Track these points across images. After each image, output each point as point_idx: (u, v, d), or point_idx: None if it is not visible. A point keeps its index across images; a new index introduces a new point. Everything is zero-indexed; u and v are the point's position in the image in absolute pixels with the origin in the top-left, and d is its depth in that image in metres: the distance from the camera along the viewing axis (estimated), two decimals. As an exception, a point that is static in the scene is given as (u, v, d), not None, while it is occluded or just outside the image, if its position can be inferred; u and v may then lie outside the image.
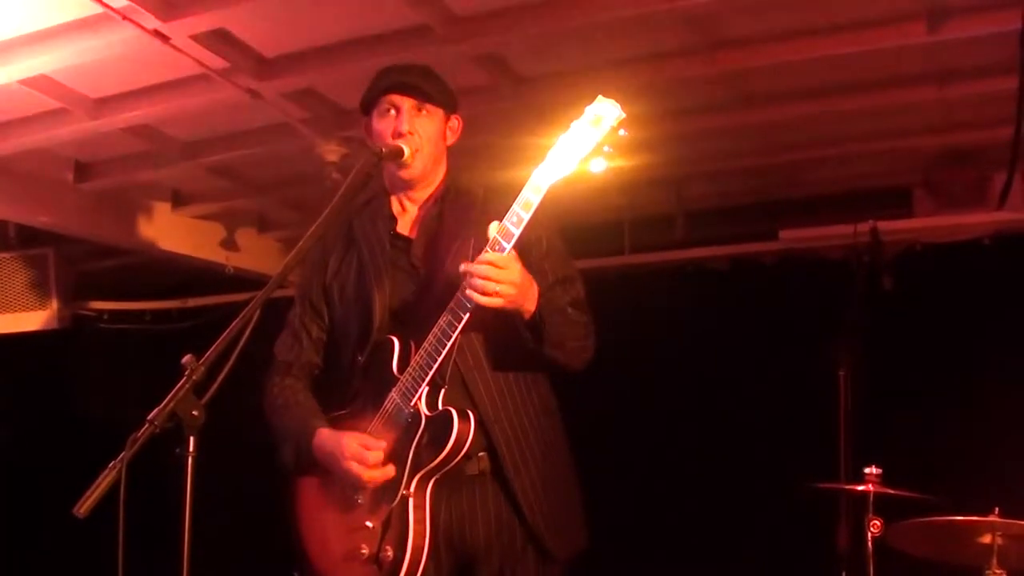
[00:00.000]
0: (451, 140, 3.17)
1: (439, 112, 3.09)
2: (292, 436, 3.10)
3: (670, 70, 4.35)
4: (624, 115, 2.68)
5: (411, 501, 2.87)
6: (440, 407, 2.88)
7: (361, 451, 2.89)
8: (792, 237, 5.82)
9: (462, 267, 2.75)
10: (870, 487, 3.92)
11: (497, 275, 2.69)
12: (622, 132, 2.68)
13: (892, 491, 3.90)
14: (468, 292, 2.73)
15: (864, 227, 5.32)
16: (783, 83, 4.61)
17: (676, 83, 4.48)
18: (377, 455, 2.88)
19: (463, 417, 2.86)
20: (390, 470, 2.88)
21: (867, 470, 3.96)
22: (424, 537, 2.87)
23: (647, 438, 5.80)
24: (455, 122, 3.17)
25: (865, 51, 4.13)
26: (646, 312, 5.85)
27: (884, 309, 4.99)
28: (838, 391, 4.57)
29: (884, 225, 5.26)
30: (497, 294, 2.70)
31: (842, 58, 4.21)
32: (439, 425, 2.86)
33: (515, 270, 2.72)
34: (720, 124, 5.02)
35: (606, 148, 2.68)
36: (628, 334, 5.32)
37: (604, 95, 3.53)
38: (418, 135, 3.03)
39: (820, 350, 4.72)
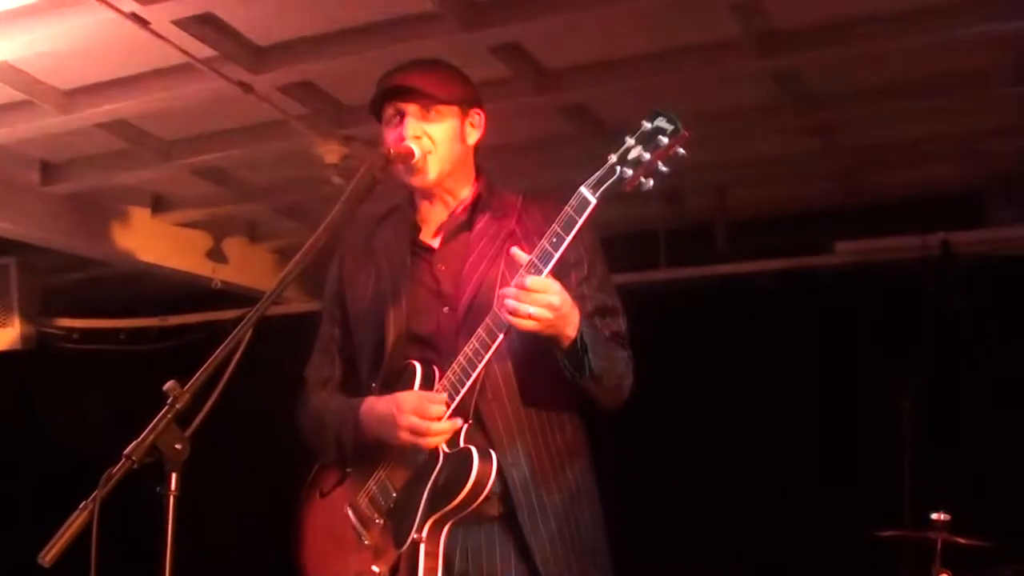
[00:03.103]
0: (474, 137, 3.14)
1: (452, 110, 3.06)
2: (334, 422, 3.10)
3: (714, 63, 4.35)
4: (685, 133, 2.66)
5: (423, 547, 2.86)
6: (461, 444, 2.89)
7: (422, 403, 2.86)
8: (851, 250, 5.82)
9: (503, 290, 2.74)
10: (938, 535, 3.89)
11: (534, 298, 2.70)
12: (682, 152, 2.67)
13: (962, 540, 3.88)
14: (503, 313, 2.73)
15: (933, 238, 5.31)
16: (841, 78, 4.60)
17: (721, 77, 4.49)
18: (440, 408, 2.85)
19: (484, 457, 2.85)
20: (457, 422, 2.87)
21: (934, 516, 3.95)
22: None
23: (685, 477, 5.79)
24: (476, 117, 3.13)
25: (934, 41, 4.13)
26: (683, 335, 5.84)
27: (955, 331, 4.97)
28: (901, 425, 4.55)
29: (955, 236, 5.24)
30: (532, 317, 2.71)
31: (908, 50, 4.20)
32: (457, 464, 2.85)
33: (555, 292, 2.73)
34: (770, 123, 5.02)
35: (662, 168, 2.68)
36: (663, 360, 5.30)
37: (638, 89, 3.50)
38: (427, 138, 3.04)
39: (882, 378, 4.70)
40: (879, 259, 5.76)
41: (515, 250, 2.78)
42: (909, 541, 4.09)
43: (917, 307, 5.30)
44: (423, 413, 2.85)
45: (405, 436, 2.88)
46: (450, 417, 2.86)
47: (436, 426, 2.85)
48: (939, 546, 3.89)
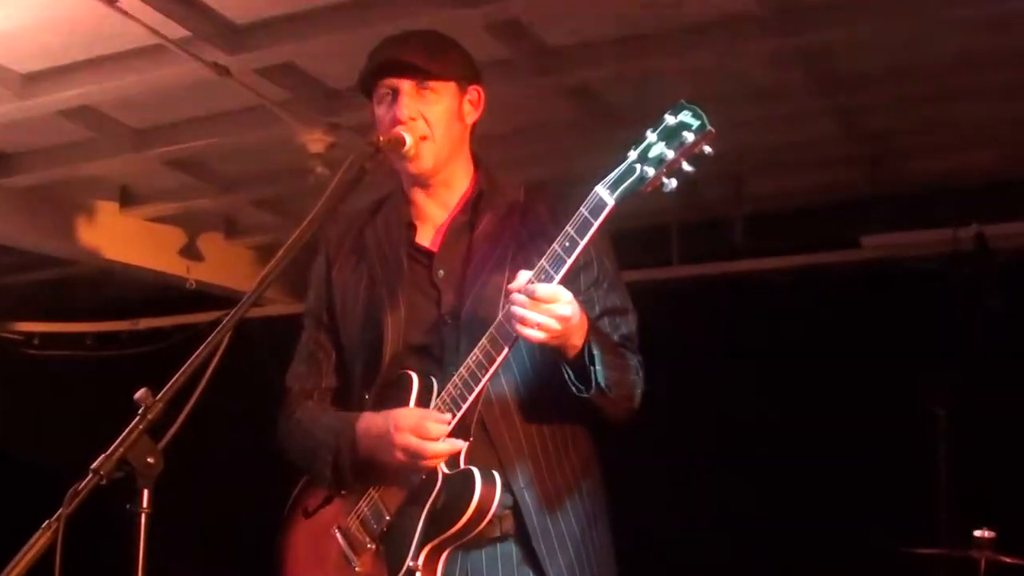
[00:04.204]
0: (472, 116, 3.11)
1: (449, 86, 3.04)
2: (327, 439, 3.04)
3: (730, 41, 4.33)
4: (712, 129, 2.63)
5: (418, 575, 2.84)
6: (462, 464, 2.85)
7: (421, 422, 2.83)
8: (878, 244, 5.81)
9: (511, 297, 2.71)
10: (981, 554, 3.88)
11: (545, 308, 2.66)
12: (708, 150, 2.64)
13: (1008, 559, 3.87)
14: (510, 323, 2.70)
15: (967, 231, 5.28)
16: (867, 57, 4.58)
17: (737, 57, 4.47)
18: (441, 427, 2.81)
19: (487, 479, 2.82)
20: (458, 444, 2.83)
21: (976, 533, 3.93)
22: None
23: (702, 486, 5.78)
24: (474, 94, 3.10)
25: (969, 16, 4.10)
26: (698, 336, 5.83)
27: (991, 332, 4.95)
28: (936, 433, 4.53)
29: (991, 229, 5.22)
30: (541, 327, 2.68)
31: (939, 25, 4.18)
32: (458, 487, 2.82)
33: (566, 302, 2.69)
34: (790, 108, 5.02)
35: (687, 167, 2.65)
36: (676, 362, 5.30)
37: (648, 70, 3.45)
38: (423, 120, 3.01)
39: (914, 383, 4.68)
40: (908, 254, 5.77)
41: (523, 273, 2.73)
42: (949, 560, 4.07)
43: (950, 306, 5.28)
44: (422, 433, 2.81)
45: (400, 456, 2.85)
46: (451, 435, 2.83)
47: (433, 447, 2.80)
48: (983, 566, 3.88)
